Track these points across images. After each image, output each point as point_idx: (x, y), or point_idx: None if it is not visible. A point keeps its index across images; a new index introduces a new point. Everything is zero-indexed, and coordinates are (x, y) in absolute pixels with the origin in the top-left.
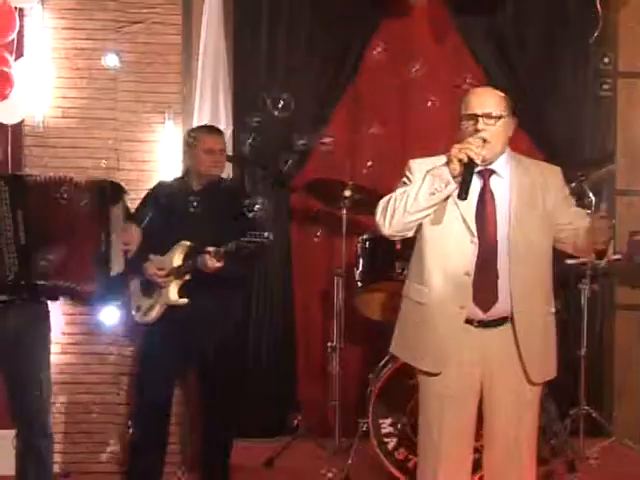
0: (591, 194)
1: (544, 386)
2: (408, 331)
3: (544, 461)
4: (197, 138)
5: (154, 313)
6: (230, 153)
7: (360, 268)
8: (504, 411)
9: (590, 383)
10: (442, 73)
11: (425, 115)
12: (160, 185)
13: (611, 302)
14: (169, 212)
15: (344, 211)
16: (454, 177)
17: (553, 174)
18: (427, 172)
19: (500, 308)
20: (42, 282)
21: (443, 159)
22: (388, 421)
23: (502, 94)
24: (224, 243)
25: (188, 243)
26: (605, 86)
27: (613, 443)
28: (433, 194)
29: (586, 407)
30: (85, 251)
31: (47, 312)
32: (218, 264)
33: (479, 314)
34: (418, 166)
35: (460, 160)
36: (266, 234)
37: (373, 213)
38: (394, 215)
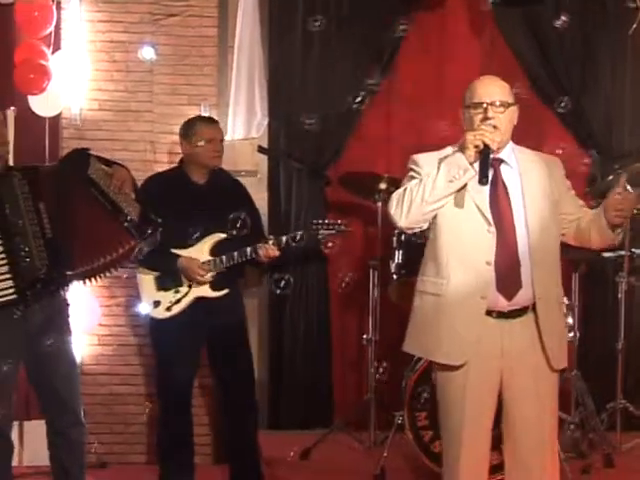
0: (629, 187)
1: (561, 375)
2: (424, 326)
3: (581, 455)
4: (197, 129)
5: (182, 306)
6: (265, 145)
7: (395, 260)
8: (526, 402)
9: (627, 377)
10: (478, 65)
11: (459, 105)
12: (157, 178)
13: None
14: (172, 205)
15: (379, 204)
16: (471, 164)
17: (556, 165)
18: (440, 161)
19: (523, 295)
20: (71, 272)
21: (446, 151)
22: (424, 414)
23: (506, 83)
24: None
25: (222, 235)
26: None
27: None
28: (451, 182)
29: (623, 401)
30: (100, 220)
31: (67, 303)
32: (278, 252)
33: (501, 303)
34: (424, 159)
35: (476, 147)
36: (340, 221)
37: None
38: (411, 206)
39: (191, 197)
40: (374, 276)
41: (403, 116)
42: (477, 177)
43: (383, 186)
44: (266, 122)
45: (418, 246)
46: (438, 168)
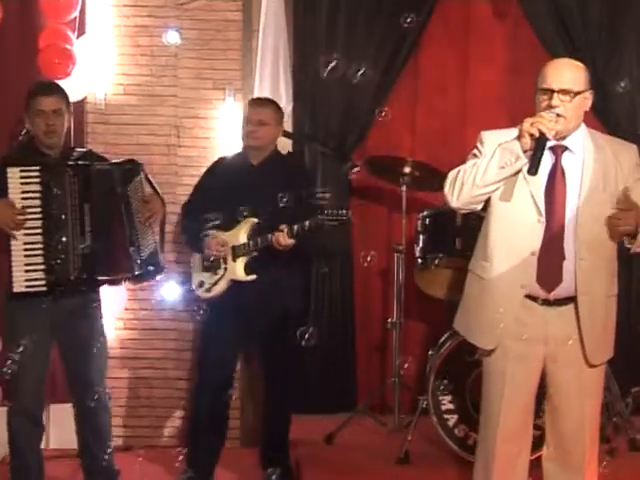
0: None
1: (607, 367)
2: (469, 307)
3: (606, 439)
4: (246, 110)
5: (219, 288)
6: (290, 130)
7: (420, 244)
8: (567, 392)
9: None
10: (502, 48)
11: (484, 90)
12: (220, 160)
13: None
14: (229, 187)
15: (404, 188)
16: (525, 152)
17: (628, 153)
18: (499, 145)
19: (564, 289)
20: (100, 278)
21: (515, 132)
22: (448, 398)
23: (582, 66)
24: (293, 220)
25: (255, 220)
26: None
27: None
28: (503, 168)
29: None
30: (117, 237)
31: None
32: (290, 241)
33: (542, 294)
34: (489, 138)
35: (532, 135)
36: (345, 211)
37: (433, 190)
38: (462, 188)
39: (242, 178)
40: (398, 260)
41: (427, 101)
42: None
43: (407, 170)
44: (291, 106)
45: (443, 230)
46: (494, 152)
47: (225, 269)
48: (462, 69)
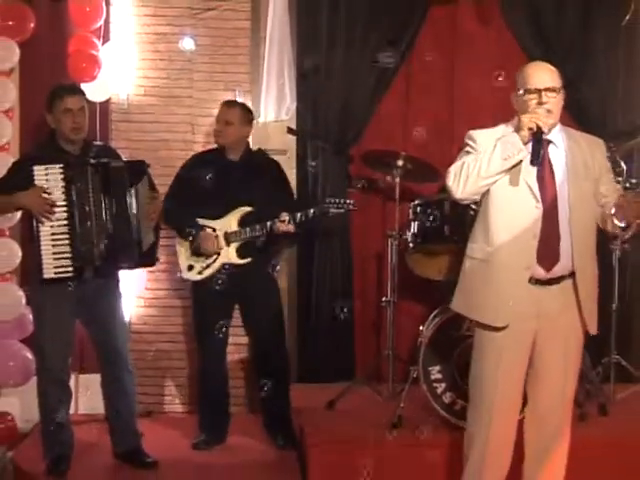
0: (622, 163)
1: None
2: (472, 289)
3: (579, 404)
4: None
5: (210, 271)
6: (294, 127)
7: (412, 230)
8: (554, 363)
9: (620, 334)
10: (486, 53)
11: (469, 90)
12: (197, 157)
13: None
14: (213, 180)
15: (397, 179)
16: (525, 144)
17: (598, 146)
18: (497, 140)
19: (560, 267)
20: (121, 264)
21: (499, 129)
22: (437, 368)
23: (555, 69)
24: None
25: (248, 208)
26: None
27: None
28: (506, 160)
29: (616, 356)
30: (130, 231)
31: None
32: (291, 227)
33: (540, 272)
34: (480, 135)
35: (530, 129)
36: (350, 201)
37: (423, 181)
38: (468, 180)
39: (223, 172)
40: (392, 245)
41: (418, 100)
42: (529, 157)
43: (400, 163)
44: (294, 106)
45: (433, 217)
46: (494, 146)
47: (218, 254)
48: (450, 71)
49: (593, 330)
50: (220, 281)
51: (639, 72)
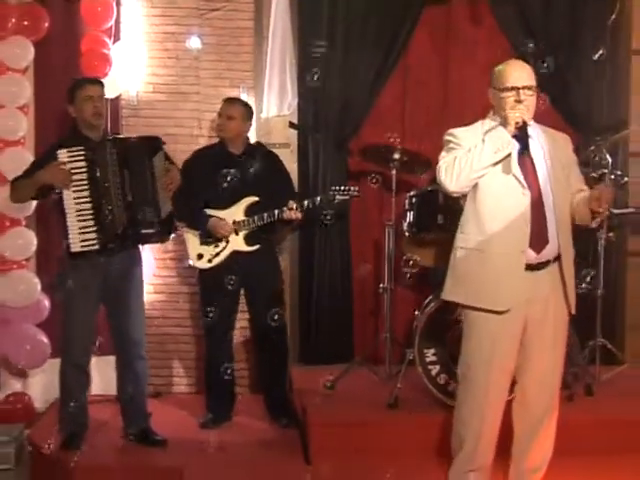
0: (608, 156)
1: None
2: (467, 277)
3: (566, 385)
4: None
5: (220, 258)
6: (295, 121)
7: (408, 220)
8: (544, 343)
9: (605, 318)
10: (478, 51)
11: (463, 87)
12: (200, 152)
13: (624, 249)
14: (217, 173)
15: (394, 171)
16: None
17: (566, 140)
18: (484, 134)
19: (549, 249)
20: (147, 231)
21: (477, 125)
22: (431, 351)
23: (530, 68)
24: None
25: (255, 198)
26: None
27: (624, 370)
28: (496, 152)
29: (602, 339)
30: (148, 201)
31: (141, 255)
32: (299, 215)
33: (531, 256)
34: (462, 133)
35: (516, 123)
36: (354, 188)
37: (419, 172)
38: (461, 173)
39: (227, 165)
40: (389, 233)
41: (414, 96)
42: (517, 148)
43: (397, 156)
44: (296, 101)
45: (428, 207)
46: (483, 141)
47: (227, 242)
48: (444, 68)
49: (573, 310)
50: (228, 268)
51: (624, 69)
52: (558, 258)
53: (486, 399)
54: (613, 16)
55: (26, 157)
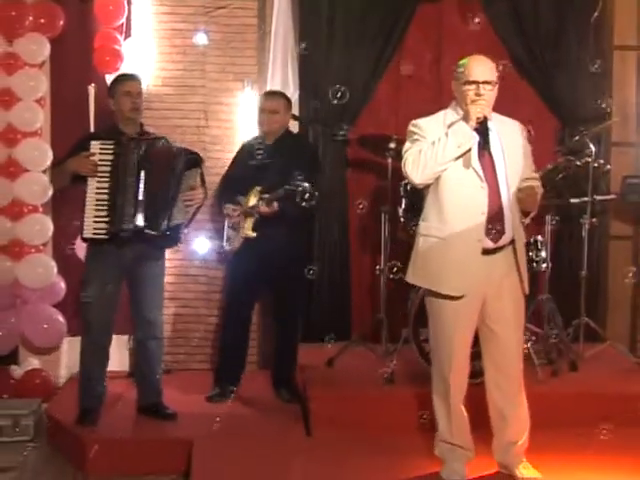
0: (591, 145)
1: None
2: (428, 263)
3: (551, 361)
4: (259, 101)
5: (236, 243)
6: (297, 113)
7: (402, 206)
8: (507, 319)
9: (589, 298)
10: (469, 47)
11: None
12: (244, 143)
13: (607, 233)
14: (251, 162)
15: (389, 160)
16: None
17: (521, 128)
18: (447, 128)
19: (505, 238)
20: (151, 232)
21: (440, 115)
22: (425, 330)
23: (493, 63)
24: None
25: (259, 188)
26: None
27: (607, 347)
28: (459, 147)
29: (586, 318)
30: (160, 206)
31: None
32: (268, 209)
33: (490, 244)
34: (426, 124)
35: (478, 118)
36: (306, 184)
37: None
38: (427, 166)
39: (258, 156)
40: (385, 219)
41: (408, 89)
42: (477, 142)
43: (392, 145)
44: (297, 94)
45: (419, 195)
46: (447, 135)
47: (242, 228)
48: (436, 63)
49: (527, 290)
50: (247, 251)
51: (607, 63)
52: (512, 242)
53: (451, 372)
54: (596, 13)
55: (43, 147)
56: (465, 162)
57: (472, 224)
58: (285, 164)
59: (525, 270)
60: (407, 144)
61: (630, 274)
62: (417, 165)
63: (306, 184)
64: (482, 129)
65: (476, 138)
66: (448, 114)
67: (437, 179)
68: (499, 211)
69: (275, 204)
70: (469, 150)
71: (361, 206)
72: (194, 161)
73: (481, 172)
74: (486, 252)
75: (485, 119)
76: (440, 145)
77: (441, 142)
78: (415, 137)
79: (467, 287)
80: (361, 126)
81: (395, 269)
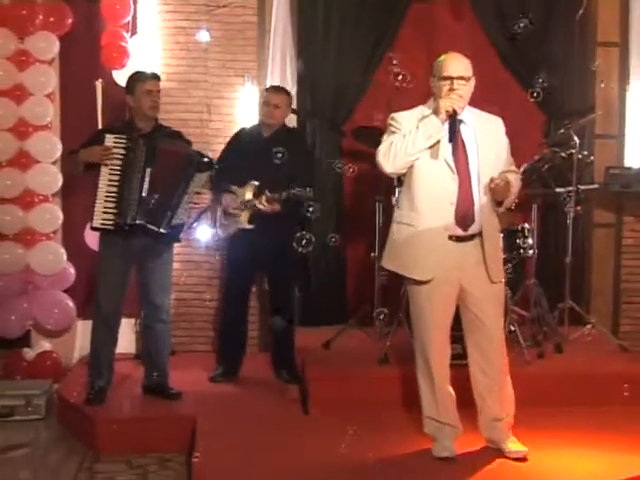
0: (575, 137)
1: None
2: (400, 249)
3: (538, 344)
4: (263, 95)
5: (231, 230)
6: (295, 107)
7: (396, 195)
8: (487, 303)
9: (573, 283)
10: (459, 45)
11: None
12: (240, 131)
13: (590, 221)
14: (245, 152)
15: None
16: (442, 124)
17: (499, 124)
18: (418, 121)
19: (474, 227)
20: (152, 227)
21: (417, 110)
22: None
23: (467, 59)
24: (283, 186)
25: (255, 183)
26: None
27: (591, 330)
28: (428, 139)
29: (570, 302)
30: (164, 204)
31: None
32: (269, 207)
33: (460, 232)
34: (402, 117)
35: (447, 111)
36: (308, 189)
37: None
38: (397, 156)
39: (254, 147)
40: (379, 208)
41: (400, 85)
42: (447, 136)
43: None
44: (295, 89)
45: None
46: (417, 127)
47: (239, 218)
48: (428, 59)
49: (497, 278)
50: (244, 238)
51: (590, 59)
52: (482, 234)
53: (431, 352)
54: (581, 11)
55: (53, 140)
56: (433, 153)
57: (441, 213)
58: (281, 159)
59: (497, 259)
60: (384, 136)
61: None
62: (388, 155)
63: (310, 194)
64: (451, 122)
65: (445, 130)
66: (424, 109)
67: (410, 169)
68: (469, 201)
69: (277, 205)
70: (438, 142)
71: (351, 170)
72: (205, 165)
73: (453, 164)
74: (458, 239)
75: (455, 112)
76: (410, 137)
77: (412, 134)
78: (392, 129)
79: (435, 271)
80: (356, 119)
81: None
